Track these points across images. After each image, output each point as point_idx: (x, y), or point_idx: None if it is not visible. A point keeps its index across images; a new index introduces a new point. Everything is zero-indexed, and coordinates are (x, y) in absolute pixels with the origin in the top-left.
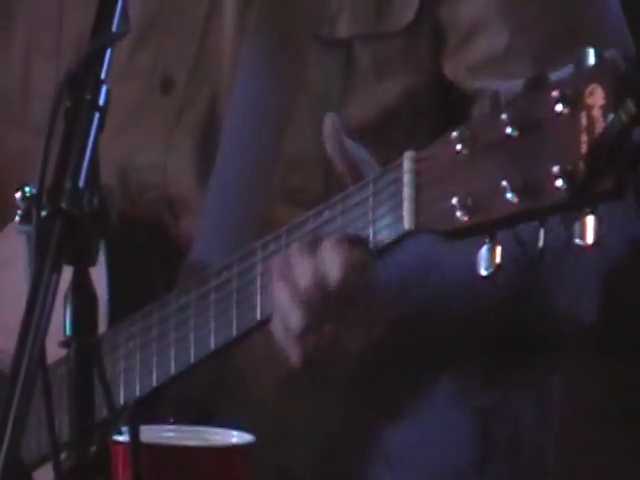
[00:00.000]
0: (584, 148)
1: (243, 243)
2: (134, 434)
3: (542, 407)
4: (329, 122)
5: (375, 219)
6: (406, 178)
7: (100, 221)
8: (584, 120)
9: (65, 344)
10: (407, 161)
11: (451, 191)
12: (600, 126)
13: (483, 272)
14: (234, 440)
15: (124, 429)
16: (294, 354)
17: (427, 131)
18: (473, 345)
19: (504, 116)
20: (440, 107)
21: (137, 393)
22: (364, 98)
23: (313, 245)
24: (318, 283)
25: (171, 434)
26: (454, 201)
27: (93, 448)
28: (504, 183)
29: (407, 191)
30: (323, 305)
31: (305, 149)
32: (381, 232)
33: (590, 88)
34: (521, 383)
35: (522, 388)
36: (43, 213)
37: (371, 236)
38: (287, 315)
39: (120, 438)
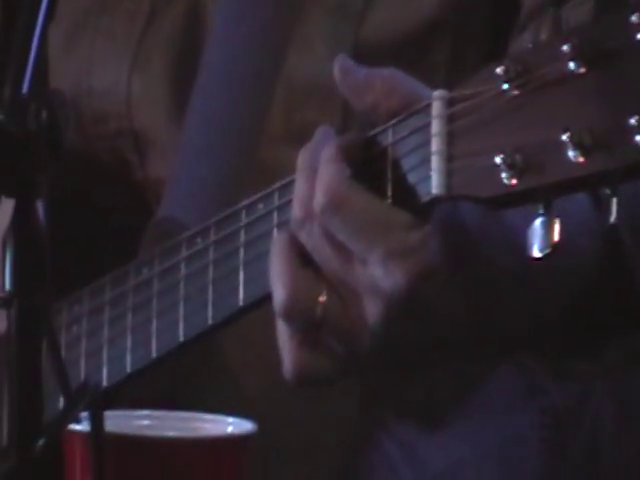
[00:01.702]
0: None
1: (231, 198)
2: (97, 422)
3: (627, 409)
4: (338, 65)
5: (395, 179)
6: (435, 125)
7: (50, 140)
8: None
9: (4, 303)
10: (437, 103)
11: (495, 145)
12: None
13: (536, 253)
14: (230, 430)
15: (83, 416)
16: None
17: (479, 52)
18: (538, 329)
19: (566, 47)
20: (495, 23)
21: None
22: (392, 7)
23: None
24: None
25: (147, 422)
26: (498, 159)
27: (41, 442)
28: (565, 137)
29: (437, 143)
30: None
31: (315, 74)
32: (402, 196)
33: None
34: (600, 377)
35: (601, 384)
36: None
37: (389, 200)
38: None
39: (78, 427)
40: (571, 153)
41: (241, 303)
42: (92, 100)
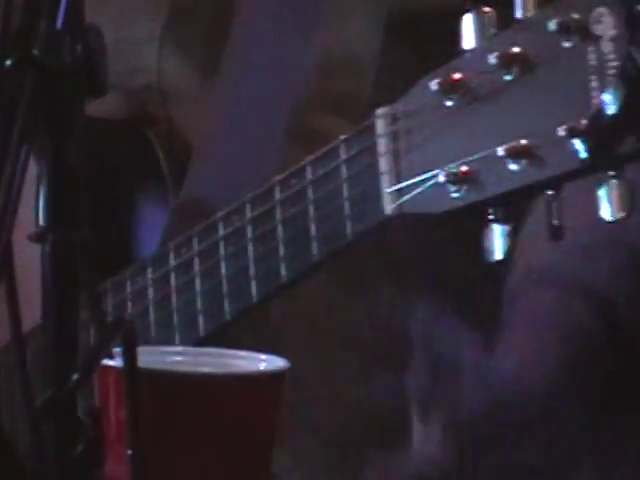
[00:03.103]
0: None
1: (264, 168)
2: (130, 358)
3: None
4: None
5: (351, 197)
6: (381, 144)
7: (86, 75)
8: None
9: (37, 238)
10: (380, 121)
11: (439, 160)
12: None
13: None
14: (263, 366)
15: (117, 351)
16: None
17: None
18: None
19: (493, 56)
20: None
21: None
22: None
23: None
24: None
25: (179, 358)
26: (443, 175)
27: (75, 377)
28: (502, 149)
29: (384, 163)
30: None
31: (349, 46)
32: (359, 215)
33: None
34: None
35: None
36: (8, 62)
37: (349, 227)
38: None
39: (112, 363)
40: (510, 165)
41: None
42: (120, 53)
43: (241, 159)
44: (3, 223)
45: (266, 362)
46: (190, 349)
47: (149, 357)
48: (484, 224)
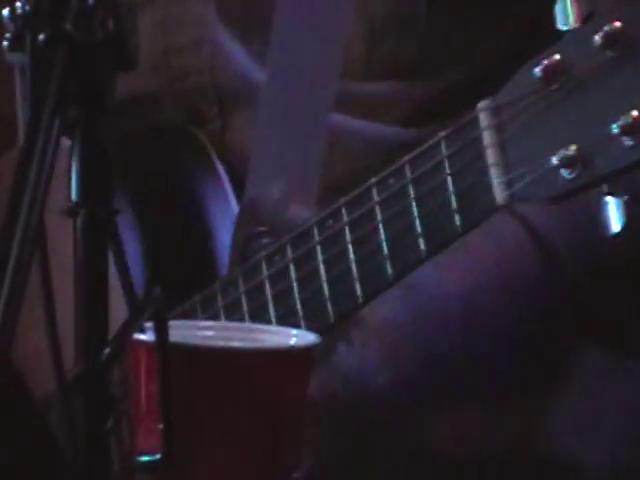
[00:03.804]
0: None
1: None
2: (161, 332)
3: None
4: None
5: (457, 191)
6: (486, 137)
7: (117, 50)
8: None
9: (69, 212)
10: (483, 114)
11: (548, 146)
12: None
13: (606, 231)
14: (293, 341)
15: (148, 326)
16: None
17: None
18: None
19: (598, 37)
20: None
21: None
22: None
23: None
24: None
25: (210, 333)
26: (555, 159)
27: (107, 351)
28: (614, 126)
29: (491, 155)
30: None
31: (391, 6)
32: (467, 207)
33: None
34: None
35: None
36: (40, 37)
37: (457, 220)
38: None
39: (143, 337)
40: (625, 141)
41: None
42: (169, 58)
43: (295, 148)
44: (35, 198)
45: (297, 337)
46: (221, 324)
47: (180, 331)
48: (598, 197)
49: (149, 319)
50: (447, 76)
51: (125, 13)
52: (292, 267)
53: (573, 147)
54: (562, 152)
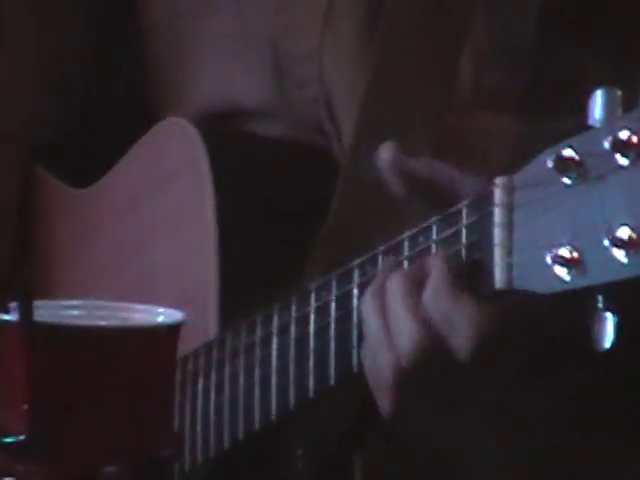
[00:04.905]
0: None
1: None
2: (26, 312)
3: None
4: (385, 154)
5: (468, 265)
6: (498, 214)
7: None
8: None
9: None
10: (498, 190)
11: (550, 239)
12: None
13: (596, 348)
14: (160, 319)
15: (13, 305)
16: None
17: None
18: None
19: (607, 143)
20: None
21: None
22: None
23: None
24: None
25: (76, 312)
26: (553, 254)
27: None
28: (609, 235)
29: (499, 234)
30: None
31: (503, 34)
32: (473, 286)
33: None
34: None
35: None
36: None
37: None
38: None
39: (7, 317)
40: (617, 254)
41: (355, 369)
42: (292, 65)
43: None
44: None
45: (163, 315)
46: (87, 303)
47: (45, 311)
48: (593, 312)
49: (14, 299)
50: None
51: None
52: (333, 305)
53: (569, 248)
54: (558, 251)
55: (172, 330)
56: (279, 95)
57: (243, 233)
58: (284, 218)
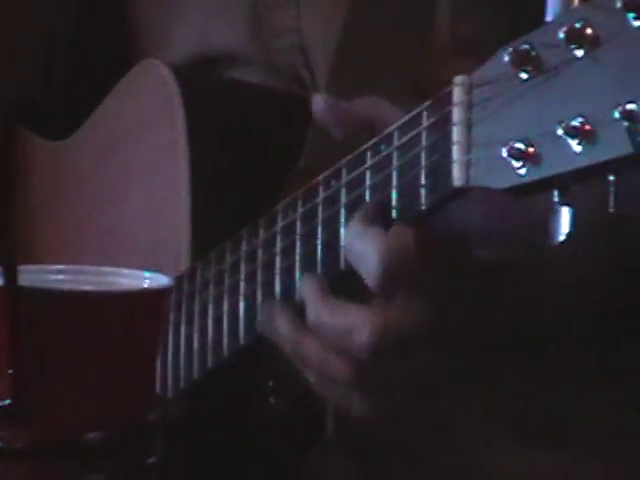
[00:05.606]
0: None
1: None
2: (10, 275)
3: None
4: (317, 105)
5: (427, 167)
6: (456, 113)
7: None
8: None
9: None
10: (457, 89)
11: (507, 135)
12: None
13: (549, 241)
14: (146, 284)
15: None
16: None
17: None
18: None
19: (563, 31)
20: None
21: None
22: None
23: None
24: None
25: (62, 276)
26: (509, 149)
27: None
28: (562, 126)
29: (457, 132)
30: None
31: None
32: (432, 184)
33: None
34: None
35: None
36: None
37: (422, 197)
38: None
39: None
40: (571, 143)
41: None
42: (269, 12)
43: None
44: None
45: (150, 280)
46: (72, 267)
47: (30, 275)
48: (549, 205)
49: None
50: None
51: None
52: (298, 224)
53: (525, 141)
54: (514, 144)
55: (158, 295)
56: (256, 42)
57: (216, 178)
58: (258, 163)
